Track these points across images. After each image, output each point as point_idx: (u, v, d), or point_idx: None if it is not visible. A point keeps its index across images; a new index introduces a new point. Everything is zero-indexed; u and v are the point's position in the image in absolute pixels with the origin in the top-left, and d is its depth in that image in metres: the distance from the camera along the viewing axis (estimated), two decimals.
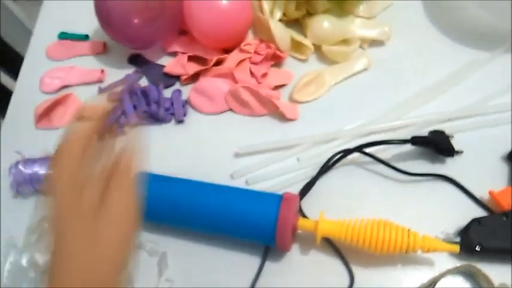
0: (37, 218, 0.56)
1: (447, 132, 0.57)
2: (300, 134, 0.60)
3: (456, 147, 0.56)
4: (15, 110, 0.69)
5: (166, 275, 0.51)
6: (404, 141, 0.55)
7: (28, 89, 0.70)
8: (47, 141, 0.63)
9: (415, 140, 0.55)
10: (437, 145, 0.55)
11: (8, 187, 0.59)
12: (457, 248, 0.47)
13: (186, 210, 0.51)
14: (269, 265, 0.52)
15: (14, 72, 0.98)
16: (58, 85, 0.68)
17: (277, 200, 0.49)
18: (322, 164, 0.57)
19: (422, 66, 0.65)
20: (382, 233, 0.47)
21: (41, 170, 0.57)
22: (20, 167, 0.57)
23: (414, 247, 0.47)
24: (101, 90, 0.67)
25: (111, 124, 0.62)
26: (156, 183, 0.53)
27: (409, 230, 0.47)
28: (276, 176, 0.58)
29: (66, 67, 0.70)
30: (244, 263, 0.52)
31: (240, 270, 0.51)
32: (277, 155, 0.59)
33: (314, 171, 0.57)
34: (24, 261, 0.51)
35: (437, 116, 0.60)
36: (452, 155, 0.56)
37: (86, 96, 0.67)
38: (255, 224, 0.48)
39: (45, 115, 0.65)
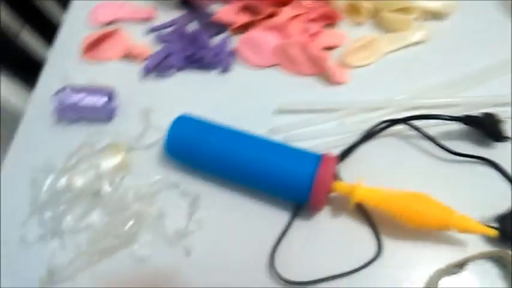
0: (77, 144, 0.57)
1: (499, 116, 0.54)
2: (347, 99, 0.59)
3: (506, 133, 0.53)
4: (63, 40, 0.69)
5: (197, 217, 0.52)
6: (455, 119, 0.53)
7: (78, 21, 0.70)
8: (92, 72, 0.64)
9: (466, 119, 0.53)
10: (487, 128, 0.53)
11: (51, 113, 0.60)
12: (494, 233, 0.46)
13: (223, 157, 0.50)
14: (298, 223, 0.51)
15: (63, 5, 0.98)
16: (108, 19, 0.68)
17: (316, 158, 0.48)
18: (364, 131, 0.55)
19: (483, 46, 0.63)
20: (420, 206, 0.46)
21: (85, 98, 0.57)
22: (65, 93, 0.58)
23: (451, 225, 0.46)
24: (150, 30, 0.67)
25: (158, 63, 0.62)
26: (196, 126, 0.53)
27: (447, 207, 0.46)
28: (315, 137, 0.57)
29: (118, 2, 0.70)
30: (274, 217, 0.52)
31: (269, 224, 0.51)
32: (319, 117, 0.58)
33: (355, 138, 0.55)
34: (61, 183, 0.52)
35: (491, 99, 0.57)
36: (501, 140, 0.54)
37: (134, 33, 0.67)
38: (291, 179, 0.48)
39: (92, 47, 0.66)
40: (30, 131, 0.60)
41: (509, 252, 0.47)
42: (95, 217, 0.52)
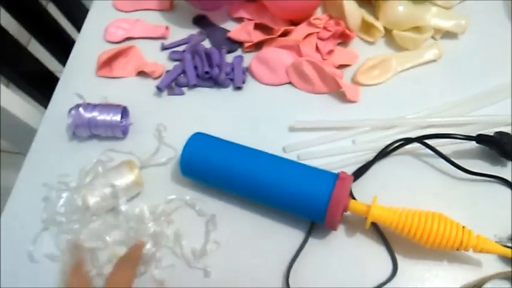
0: (92, 161, 0.57)
1: None
2: (359, 117, 0.59)
3: None
4: (77, 56, 0.70)
5: (213, 236, 0.52)
6: (469, 138, 0.53)
7: (92, 37, 0.71)
8: (107, 89, 0.64)
9: (480, 138, 0.53)
10: (501, 147, 0.53)
11: (65, 129, 0.61)
12: (511, 253, 0.46)
13: (239, 175, 0.51)
14: (312, 241, 0.51)
15: (75, 21, 1.00)
16: (122, 36, 0.69)
17: (333, 177, 0.48)
18: (377, 149, 0.56)
19: (495, 65, 0.63)
20: (436, 226, 0.46)
21: (99, 115, 0.58)
22: (80, 110, 0.58)
23: (467, 245, 0.45)
24: (164, 47, 0.67)
25: (170, 82, 0.63)
26: (211, 144, 0.53)
27: (464, 227, 0.46)
28: (328, 155, 0.57)
29: (132, 19, 0.71)
30: (289, 235, 0.52)
31: (284, 242, 0.51)
32: (332, 135, 0.58)
33: (368, 156, 0.56)
34: (75, 202, 0.52)
35: (504, 118, 0.57)
36: None
37: (149, 50, 0.67)
38: (308, 198, 0.48)
39: (107, 64, 0.66)
40: (44, 147, 0.61)
41: None
42: (111, 238, 0.52)
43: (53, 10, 0.98)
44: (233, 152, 0.52)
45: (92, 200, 0.52)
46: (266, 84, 0.63)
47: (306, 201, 0.48)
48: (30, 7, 0.88)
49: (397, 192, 0.53)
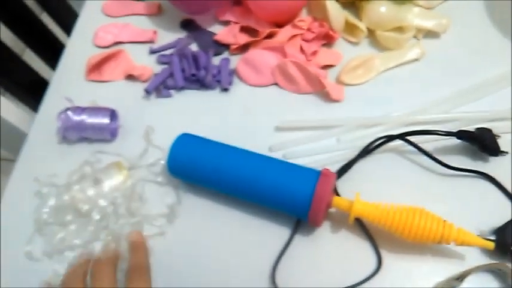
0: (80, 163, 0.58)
1: (494, 131, 0.56)
2: (343, 116, 0.60)
3: (501, 147, 0.55)
4: (67, 61, 0.71)
5: (200, 236, 0.52)
6: (450, 134, 0.54)
7: (82, 42, 0.72)
8: (96, 93, 0.65)
9: (461, 134, 0.54)
10: (482, 142, 0.54)
11: (55, 133, 0.62)
12: (491, 245, 0.47)
13: (224, 174, 0.51)
14: (298, 239, 0.52)
15: (66, 28, 1.01)
16: (111, 40, 0.70)
17: (315, 174, 0.49)
18: (361, 147, 0.57)
19: (476, 63, 0.64)
20: (417, 220, 0.46)
21: (88, 118, 0.59)
22: (69, 113, 0.59)
23: (448, 238, 0.46)
24: (152, 51, 0.68)
25: (158, 85, 0.64)
26: (197, 144, 0.54)
27: (445, 221, 0.47)
28: (314, 154, 0.58)
29: (121, 24, 0.72)
30: (273, 233, 0.52)
31: (269, 239, 0.52)
32: (317, 134, 0.59)
33: (352, 154, 0.57)
34: (64, 202, 0.53)
35: (485, 115, 0.59)
36: (497, 155, 0.55)
37: (137, 54, 0.69)
38: (291, 195, 0.49)
39: (96, 68, 0.67)
40: (34, 151, 0.61)
41: (508, 265, 0.48)
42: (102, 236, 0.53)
43: (43, 15, 0.99)
44: (219, 151, 0.53)
45: (81, 201, 0.53)
46: (252, 85, 0.64)
47: (290, 198, 0.49)
48: (22, 14, 0.89)
49: (381, 188, 0.54)
